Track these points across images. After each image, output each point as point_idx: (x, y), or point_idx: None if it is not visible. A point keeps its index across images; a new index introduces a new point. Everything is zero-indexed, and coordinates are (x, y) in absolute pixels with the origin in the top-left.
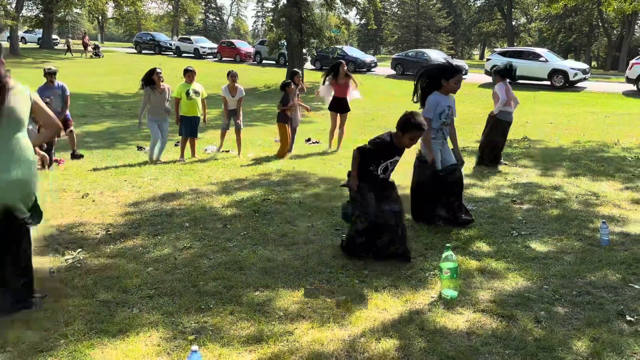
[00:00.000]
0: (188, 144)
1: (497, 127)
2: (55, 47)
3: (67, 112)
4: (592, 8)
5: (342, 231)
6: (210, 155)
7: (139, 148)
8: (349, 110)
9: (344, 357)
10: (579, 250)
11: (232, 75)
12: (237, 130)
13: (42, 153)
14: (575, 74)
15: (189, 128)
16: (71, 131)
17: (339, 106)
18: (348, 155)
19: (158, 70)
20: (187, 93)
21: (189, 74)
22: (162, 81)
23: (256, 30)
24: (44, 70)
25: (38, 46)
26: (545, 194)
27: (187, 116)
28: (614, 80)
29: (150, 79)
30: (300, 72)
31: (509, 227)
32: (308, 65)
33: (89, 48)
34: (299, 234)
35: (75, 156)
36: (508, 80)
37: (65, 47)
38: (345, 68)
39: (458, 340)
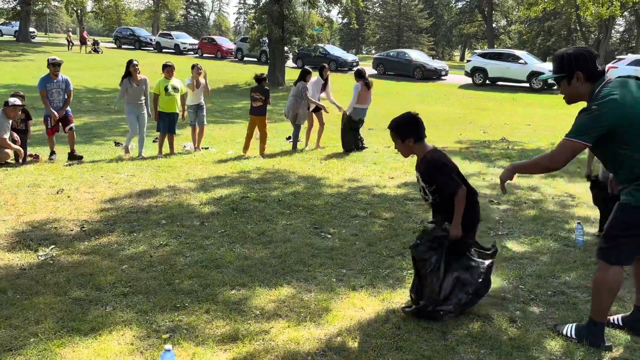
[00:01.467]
0: (166, 141)
1: (350, 123)
2: (33, 39)
3: (68, 108)
4: (570, 12)
5: (321, 229)
6: (189, 153)
7: (117, 144)
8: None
9: (320, 357)
10: (555, 251)
11: (197, 69)
12: (202, 127)
13: (16, 147)
14: None
15: (167, 124)
16: (71, 129)
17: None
18: (326, 153)
19: (134, 62)
20: (166, 89)
21: (167, 69)
22: (139, 73)
23: (238, 27)
24: (48, 60)
25: (15, 39)
26: (523, 195)
27: (166, 112)
28: None
29: (127, 71)
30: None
31: (486, 227)
32: (290, 63)
33: (88, 43)
34: (277, 232)
35: (73, 157)
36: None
37: (67, 42)
38: (328, 73)
39: (434, 339)
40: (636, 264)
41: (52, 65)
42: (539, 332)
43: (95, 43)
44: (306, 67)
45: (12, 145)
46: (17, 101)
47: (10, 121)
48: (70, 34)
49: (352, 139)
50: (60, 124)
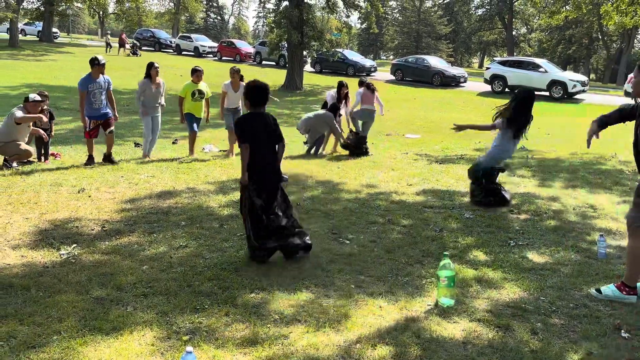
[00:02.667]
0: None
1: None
2: (55, 40)
3: (109, 110)
4: (592, 21)
5: (339, 235)
6: (209, 155)
7: (136, 145)
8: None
9: None
10: (576, 263)
11: (237, 73)
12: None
13: (42, 132)
14: (574, 86)
15: (196, 124)
16: (111, 132)
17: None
18: (345, 158)
19: (156, 65)
20: (193, 94)
21: (197, 74)
22: (157, 75)
23: (257, 31)
24: (91, 60)
25: (38, 39)
26: (543, 205)
27: (194, 115)
28: (612, 93)
29: (148, 73)
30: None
31: (506, 236)
32: (308, 67)
33: (127, 46)
34: None
35: (109, 160)
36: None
37: (106, 44)
38: (347, 91)
39: (454, 349)
40: None
41: (98, 65)
42: (561, 344)
43: (134, 46)
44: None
45: (23, 146)
46: (38, 97)
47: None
48: (109, 36)
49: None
50: (100, 127)
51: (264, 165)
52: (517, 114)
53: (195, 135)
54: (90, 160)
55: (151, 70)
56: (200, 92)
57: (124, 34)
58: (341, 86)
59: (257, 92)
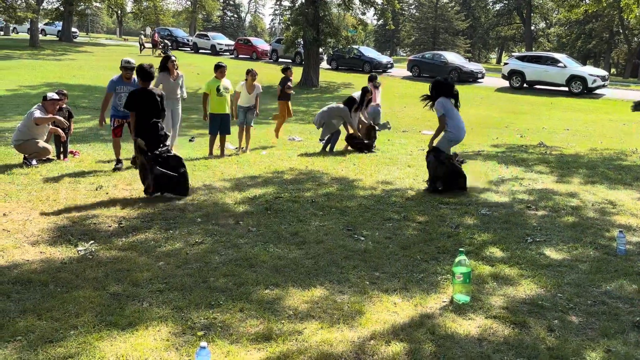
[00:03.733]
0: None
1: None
2: (75, 39)
3: None
4: (613, 14)
5: (354, 231)
6: (232, 153)
7: None
8: None
9: (353, 359)
10: (595, 259)
11: (252, 75)
12: (248, 127)
13: (59, 125)
14: (594, 81)
15: (218, 125)
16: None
17: None
18: (360, 155)
19: (173, 57)
20: (218, 89)
21: (220, 69)
22: (177, 69)
23: (273, 29)
24: (122, 62)
25: (58, 38)
26: (561, 201)
27: (217, 113)
28: (633, 88)
29: (165, 66)
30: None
31: (523, 233)
32: (324, 64)
33: (160, 46)
34: (310, 233)
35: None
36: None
37: (139, 44)
38: (370, 97)
39: (469, 346)
40: None
41: (124, 68)
42: (578, 342)
43: (165, 46)
44: (353, 95)
45: (57, 125)
46: (55, 95)
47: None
48: (143, 36)
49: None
50: (126, 124)
51: (147, 128)
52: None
53: (215, 139)
54: (118, 164)
55: (168, 64)
56: (225, 88)
57: (157, 34)
58: (365, 92)
59: (144, 73)
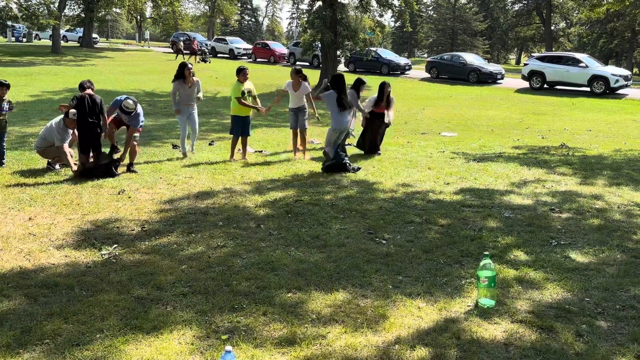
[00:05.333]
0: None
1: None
2: (95, 45)
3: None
4: (635, 13)
5: (375, 235)
6: (263, 158)
7: (174, 146)
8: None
9: None
10: (622, 263)
11: (296, 72)
12: (302, 130)
13: (71, 160)
14: (617, 81)
15: (240, 127)
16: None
17: None
18: (381, 158)
19: (189, 65)
20: (242, 93)
21: (242, 72)
22: (193, 76)
23: (290, 32)
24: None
25: (79, 44)
26: (585, 203)
27: (240, 116)
28: None
29: (182, 74)
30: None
31: (547, 236)
32: (341, 67)
33: (198, 53)
34: (331, 237)
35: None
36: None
37: (175, 51)
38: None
39: (495, 351)
40: None
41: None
42: (607, 347)
43: (203, 53)
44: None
45: (69, 156)
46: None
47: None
48: (181, 44)
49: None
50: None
51: (87, 129)
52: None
53: (237, 141)
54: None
55: (185, 71)
56: (249, 91)
57: (195, 41)
58: (384, 85)
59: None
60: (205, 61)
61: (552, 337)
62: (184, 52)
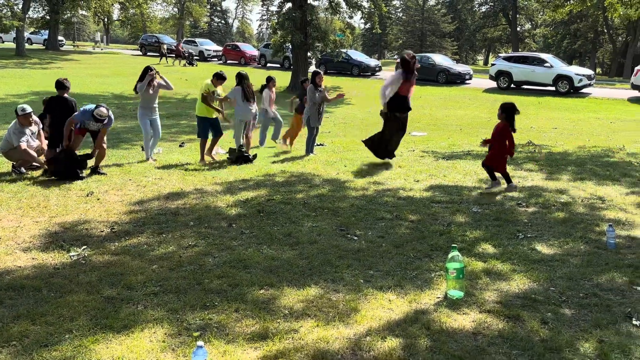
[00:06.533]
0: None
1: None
2: (61, 48)
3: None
4: (597, 14)
5: (347, 231)
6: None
7: (143, 148)
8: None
9: (350, 356)
10: (585, 253)
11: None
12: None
13: (34, 155)
14: (580, 80)
15: (209, 129)
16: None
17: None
18: (351, 157)
19: (151, 69)
20: (213, 93)
21: (221, 80)
22: (156, 79)
23: (261, 34)
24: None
25: (44, 47)
26: (551, 197)
27: (207, 117)
28: (618, 87)
29: (142, 77)
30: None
31: (514, 229)
32: (312, 68)
33: (185, 55)
34: (303, 234)
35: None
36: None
37: (160, 54)
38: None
39: (464, 340)
40: None
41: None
42: (571, 334)
43: (190, 56)
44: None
45: (31, 152)
46: (27, 109)
47: (30, 128)
48: (165, 47)
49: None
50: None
51: (59, 130)
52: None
53: (207, 141)
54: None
55: (147, 74)
56: (218, 95)
57: (180, 44)
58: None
59: (58, 83)
60: (191, 64)
61: (518, 325)
62: (168, 55)
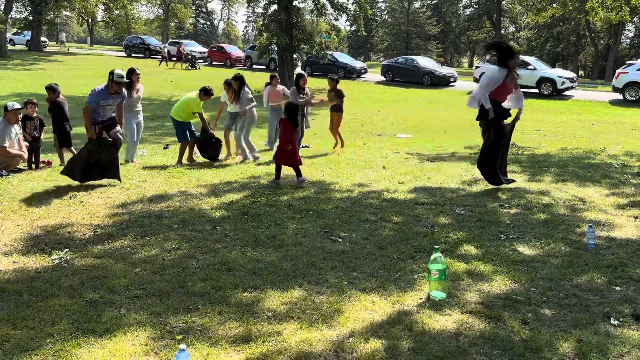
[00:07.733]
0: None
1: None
2: (44, 49)
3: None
4: (579, 18)
5: (331, 233)
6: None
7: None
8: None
9: (332, 357)
10: (566, 254)
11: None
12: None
13: (17, 152)
14: (563, 82)
15: (187, 131)
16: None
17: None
18: (336, 159)
19: (137, 71)
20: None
21: (208, 96)
22: (138, 82)
23: (246, 35)
24: (115, 75)
25: (27, 48)
26: (533, 199)
27: (186, 121)
28: (600, 89)
29: (129, 78)
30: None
31: (496, 230)
32: (298, 70)
33: (188, 58)
34: (288, 236)
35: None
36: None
37: (161, 57)
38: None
39: (446, 341)
40: None
41: (117, 83)
42: (551, 333)
43: (193, 58)
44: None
45: (12, 151)
46: (16, 105)
47: (15, 127)
48: (166, 49)
49: None
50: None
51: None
52: None
53: (186, 146)
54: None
55: (132, 76)
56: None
57: (182, 46)
58: (300, 77)
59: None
60: (194, 67)
61: (499, 326)
62: (170, 59)
